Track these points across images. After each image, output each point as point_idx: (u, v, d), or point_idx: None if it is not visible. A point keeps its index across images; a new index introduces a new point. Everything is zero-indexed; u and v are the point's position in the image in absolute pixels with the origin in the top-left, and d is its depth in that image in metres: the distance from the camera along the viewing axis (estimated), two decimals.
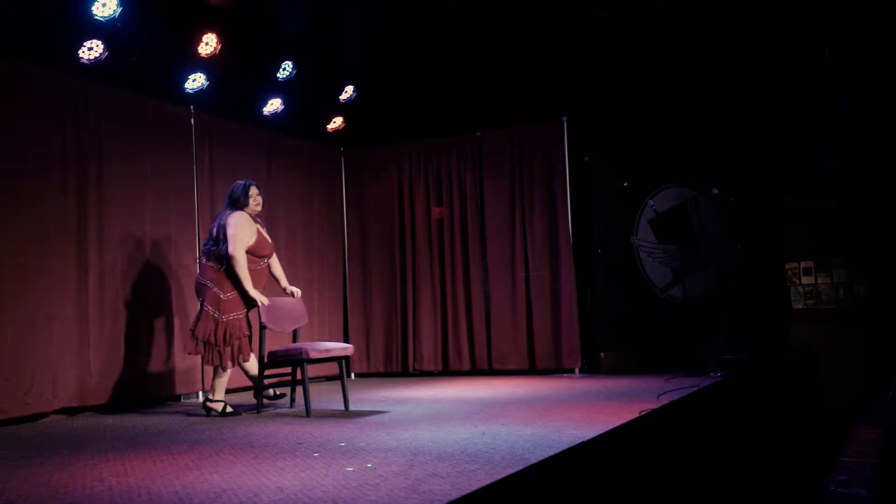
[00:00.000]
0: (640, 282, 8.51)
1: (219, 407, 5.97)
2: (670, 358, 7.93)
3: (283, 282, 6.38)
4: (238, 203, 6.04)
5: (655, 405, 5.23)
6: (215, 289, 5.93)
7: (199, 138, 7.44)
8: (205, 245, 6.10)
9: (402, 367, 8.94)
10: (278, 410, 6.13)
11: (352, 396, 6.17)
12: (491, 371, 8.60)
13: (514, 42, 8.37)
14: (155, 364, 6.86)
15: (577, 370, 8.27)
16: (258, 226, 6.13)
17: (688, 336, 7.93)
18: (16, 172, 5.95)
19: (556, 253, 8.49)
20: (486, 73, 8.56)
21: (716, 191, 7.80)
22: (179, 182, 7.27)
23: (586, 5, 8.12)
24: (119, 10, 6.24)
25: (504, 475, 3.37)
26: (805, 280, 8.28)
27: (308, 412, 5.73)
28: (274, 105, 8.09)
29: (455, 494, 3.11)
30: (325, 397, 6.81)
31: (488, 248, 8.78)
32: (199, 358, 7.19)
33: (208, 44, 7.07)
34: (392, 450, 4.20)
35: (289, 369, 6.18)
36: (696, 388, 6.03)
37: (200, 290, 6.03)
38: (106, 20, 6.25)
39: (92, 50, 6.32)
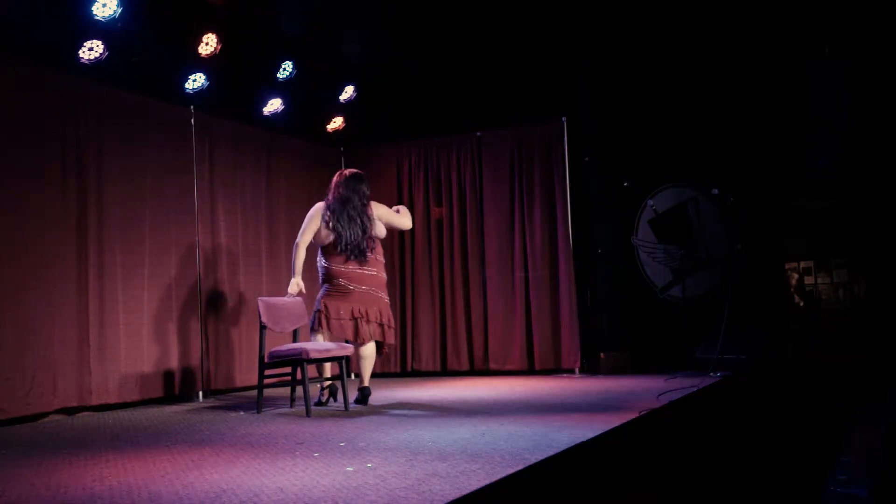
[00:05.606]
0: (640, 282, 8.51)
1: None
2: (670, 358, 7.93)
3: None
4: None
5: (655, 405, 5.24)
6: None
7: (199, 138, 7.44)
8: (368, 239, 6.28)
9: (400, 368, 8.92)
10: (278, 410, 6.13)
11: (351, 396, 6.17)
12: (490, 371, 8.59)
13: (514, 42, 8.36)
14: (155, 364, 6.86)
15: (576, 370, 8.26)
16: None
17: (688, 336, 7.93)
18: (16, 172, 5.95)
19: (555, 253, 8.48)
20: (487, 73, 8.55)
21: (716, 191, 7.80)
22: (179, 182, 7.26)
23: (586, 5, 8.12)
24: (119, 10, 6.24)
25: (504, 475, 3.38)
26: (805, 280, 8.27)
27: (308, 412, 5.73)
28: (274, 105, 8.09)
29: (455, 494, 3.11)
30: None
31: (488, 247, 8.77)
32: (198, 358, 7.20)
33: (208, 44, 7.07)
34: (392, 450, 4.20)
35: (289, 369, 6.19)
36: (696, 388, 6.05)
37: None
38: (106, 20, 6.25)
39: (92, 50, 6.32)
